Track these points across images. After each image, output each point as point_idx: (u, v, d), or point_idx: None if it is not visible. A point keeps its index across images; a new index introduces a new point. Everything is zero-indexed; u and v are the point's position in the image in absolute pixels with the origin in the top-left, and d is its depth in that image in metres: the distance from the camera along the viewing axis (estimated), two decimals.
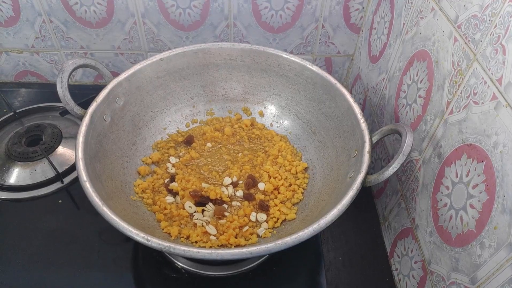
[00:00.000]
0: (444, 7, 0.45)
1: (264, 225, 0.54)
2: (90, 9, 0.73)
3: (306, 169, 0.61)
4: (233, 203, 0.57)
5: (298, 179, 0.59)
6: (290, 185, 0.58)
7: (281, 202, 0.56)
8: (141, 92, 0.61)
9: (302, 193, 0.58)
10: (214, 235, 0.52)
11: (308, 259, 0.58)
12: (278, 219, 0.54)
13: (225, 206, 0.56)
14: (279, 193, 0.58)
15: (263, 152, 0.64)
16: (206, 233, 0.52)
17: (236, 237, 0.51)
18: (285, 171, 0.60)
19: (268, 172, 0.60)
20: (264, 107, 0.68)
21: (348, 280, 0.56)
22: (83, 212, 0.62)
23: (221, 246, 0.51)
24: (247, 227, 0.53)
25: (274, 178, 0.59)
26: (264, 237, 0.52)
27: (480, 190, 0.38)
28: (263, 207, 0.55)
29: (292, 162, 0.61)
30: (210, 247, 0.50)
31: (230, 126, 0.67)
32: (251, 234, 0.53)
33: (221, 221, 0.54)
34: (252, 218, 0.54)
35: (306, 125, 0.64)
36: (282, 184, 0.58)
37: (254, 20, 0.74)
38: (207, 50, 0.63)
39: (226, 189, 0.58)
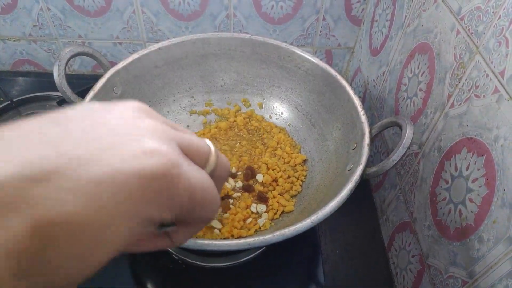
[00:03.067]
0: None
1: (265, 215, 0.54)
2: None
3: (305, 161, 0.61)
4: (234, 194, 0.57)
5: (297, 171, 0.59)
6: (289, 177, 0.58)
7: (279, 194, 0.56)
8: (139, 81, 0.60)
9: (301, 185, 0.58)
10: (219, 229, 0.51)
11: (306, 251, 0.58)
12: (277, 211, 0.54)
13: (230, 200, 0.56)
14: (277, 185, 0.57)
15: (262, 144, 0.63)
16: (209, 227, 0.51)
17: (239, 229, 0.51)
18: (284, 163, 0.60)
19: (266, 164, 0.59)
20: (263, 99, 0.67)
21: (345, 272, 0.56)
22: None
23: (225, 239, 0.50)
24: (250, 219, 0.53)
25: (273, 170, 0.59)
26: (263, 229, 0.52)
27: (480, 184, 0.37)
28: (262, 198, 0.55)
29: (291, 154, 0.61)
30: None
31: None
32: (254, 225, 0.52)
33: (225, 215, 0.53)
34: (253, 209, 0.54)
35: (306, 117, 0.64)
36: (281, 176, 0.58)
37: (254, 10, 0.73)
38: (206, 40, 0.62)
39: (228, 182, 0.58)
